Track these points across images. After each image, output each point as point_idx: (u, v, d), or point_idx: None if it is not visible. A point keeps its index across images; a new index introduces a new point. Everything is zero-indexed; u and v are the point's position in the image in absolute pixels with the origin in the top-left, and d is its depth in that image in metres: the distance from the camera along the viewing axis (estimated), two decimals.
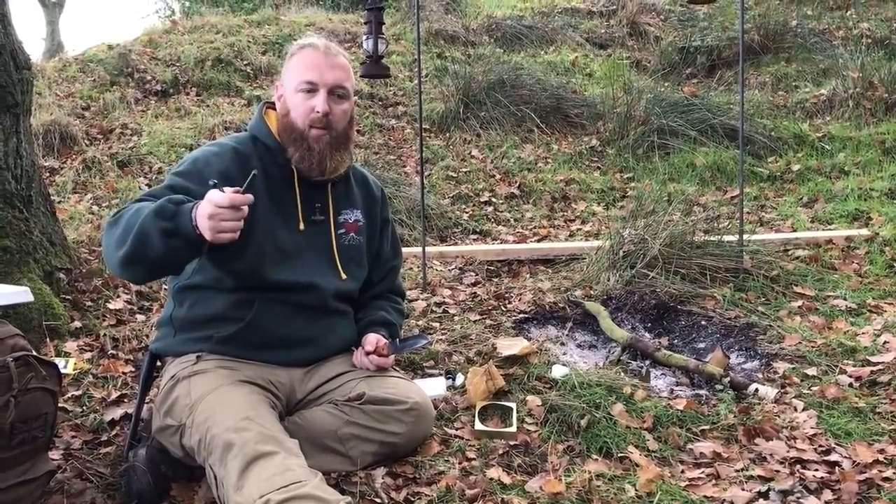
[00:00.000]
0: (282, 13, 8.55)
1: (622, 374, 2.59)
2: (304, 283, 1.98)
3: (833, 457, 2.05)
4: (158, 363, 2.06)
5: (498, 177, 5.42)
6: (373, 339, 2.08)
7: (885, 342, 2.75)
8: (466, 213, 4.86)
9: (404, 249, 3.99)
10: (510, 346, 2.67)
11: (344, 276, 2.07)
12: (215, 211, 1.61)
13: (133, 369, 2.56)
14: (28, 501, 1.72)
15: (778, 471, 1.99)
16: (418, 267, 3.68)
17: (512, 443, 2.13)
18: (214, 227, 1.62)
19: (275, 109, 2.08)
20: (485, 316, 3.19)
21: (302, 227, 2.01)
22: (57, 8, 15.95)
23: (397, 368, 2.23)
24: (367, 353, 2.05)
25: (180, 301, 1.99)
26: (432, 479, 1.96)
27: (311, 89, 1.97)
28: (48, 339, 2.59)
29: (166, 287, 3.03)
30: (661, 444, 2.16)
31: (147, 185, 4.68)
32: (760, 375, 2.66)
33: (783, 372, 2.61)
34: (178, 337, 1.98)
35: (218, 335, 1.92)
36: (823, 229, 4.19)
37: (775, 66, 7.09)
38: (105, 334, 2.75)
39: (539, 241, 4.38)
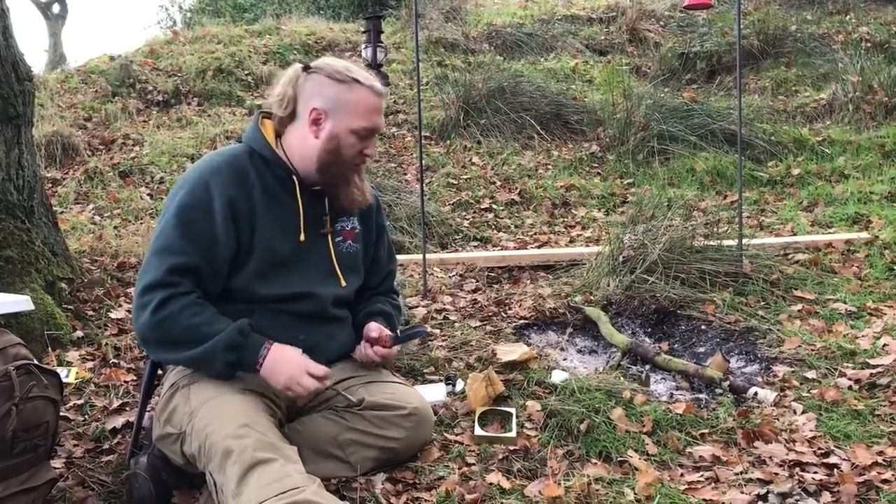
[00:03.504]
0: (283, 23, 8.61)
1: (622, 378, 2.59)
2: (303, 293, 1.98)
3: (832, 459, 2.05)
4: (160, 371, 2.07)
5: (498, 183, 5.43)
6: (375, 327, 2.06)
7: (884, 345, 2.75)
8: (467, 219, 4.87)
9: (405, 257, 4.03)
10: (510, 351, 2.67)
11: (344, 284, 2.08)
12: (304, 382, 1.82)
13: (134, 378, 2.57)
14: None
15: (777, 473, 2.00)
16: (419, 274, 3.69)
17: (511, 448, 2.14)
18: (289, 385, 1.81)
19: (270, 118, 2.02)
20: (485, 322, 3.19)
21: (303, 237, 2.00)
22: (59, 20, 16.06)
23: (397, 374, 2.24)
24: (370, 343, 2.04)
25: None
26: (432, 484, 1.96)
27: (369, 136, 1.97)
28: (50, 349, 2.60)
29: None
30: (661, 448, 2.16)
31: (149, 195, 4.71)
32: (760, 379, 2.66)
33: (783, 375, 2.61)
34: None
35: None
36: (823, 233, 4.18)
37: (775, 71, 7.11)
38: (107, 343, 2.76)
39: (539, 247, 4.39)
